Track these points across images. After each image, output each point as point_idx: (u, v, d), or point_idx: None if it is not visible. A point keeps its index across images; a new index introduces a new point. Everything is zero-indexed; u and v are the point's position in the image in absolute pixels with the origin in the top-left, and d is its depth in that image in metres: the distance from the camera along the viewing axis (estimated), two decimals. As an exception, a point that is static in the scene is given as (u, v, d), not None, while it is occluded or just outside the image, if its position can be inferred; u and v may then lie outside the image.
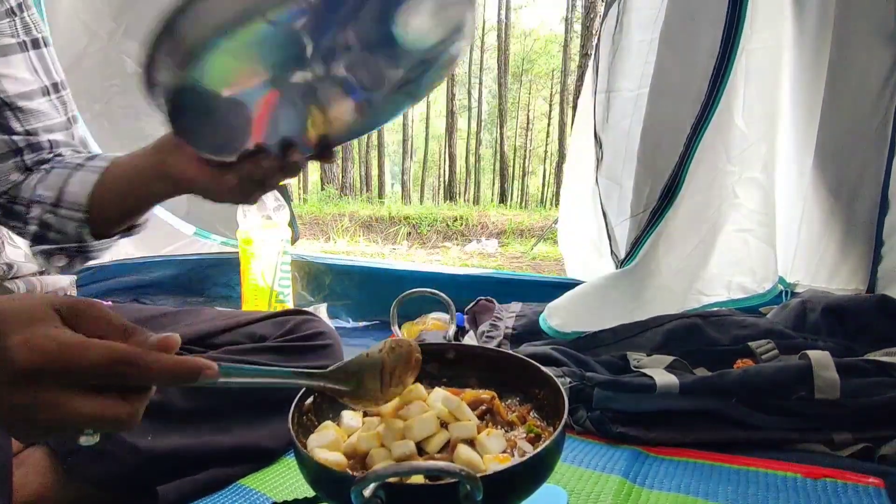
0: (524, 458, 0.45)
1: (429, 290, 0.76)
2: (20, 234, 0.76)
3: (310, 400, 0.59)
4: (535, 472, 0.47)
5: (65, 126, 0.79)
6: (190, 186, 0.66)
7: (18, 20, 0.74)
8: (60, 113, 0.79)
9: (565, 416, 0.50)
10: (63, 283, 0.92)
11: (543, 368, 0.59)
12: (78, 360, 0.36)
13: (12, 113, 0.74)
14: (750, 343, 1.04)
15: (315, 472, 0.46)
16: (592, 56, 1.43)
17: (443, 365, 0.67)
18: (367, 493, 0.39)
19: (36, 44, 0.75)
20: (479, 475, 0.40)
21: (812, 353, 0.90)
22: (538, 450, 0.45)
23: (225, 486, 0.74)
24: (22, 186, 0.74)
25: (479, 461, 0.48)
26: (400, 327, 0.91)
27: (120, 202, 0.72)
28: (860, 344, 1.03)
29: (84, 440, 0.37)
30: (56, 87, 0.78)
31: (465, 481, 0.39)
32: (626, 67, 1.30)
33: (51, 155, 0.77)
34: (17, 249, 0.77)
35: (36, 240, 0.74)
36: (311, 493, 0.56)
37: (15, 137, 0.74)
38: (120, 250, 1.91)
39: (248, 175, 0.62)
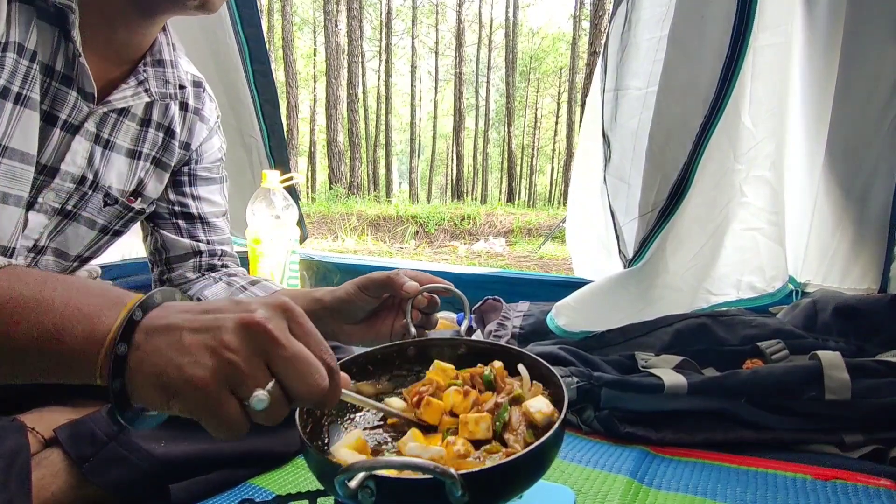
0: (510, 459, 0.44)
1: (444, 282, 0.76)
2: None
3: None
4: (522, 471, 0.46)
5: (229, 241, 1.01)
6: (345, 342, 0.83)
7: (223, 164, 0.99)
8: (227, 231, 1.01)
9: (562, 415, 0.50)
10: None
11: (550, 366, 0.58)
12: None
13: (202, 225, 0.95)
14: (759, 343, 1.03)
15: (316, 462, 0.47)
16: (600, 54, 1.42)
17: (454, 360, 0.67)
18: (352, 483, 0.39)
19: (224, 179, 1.00)
20: (458, 473, 0.39)
21: (822, 354, 0.89)
22: (526, 450, 0.45)
23: (235, 486, 0.74)
24: (190, 286, 0.92)
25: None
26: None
27: None
28: (872, 344, 1.02)
29: (257, 398, 0.40)
30: (226, 211, 1.01)
31: (441, 478, 0.39)
32: (634, 66, 1.29)
33: (220, 262, 0.97)
34: None
35: None
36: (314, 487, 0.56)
37: (199, 244, 0.94)
38: (129, 249, 1.92)
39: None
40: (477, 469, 0.43)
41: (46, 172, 0.73)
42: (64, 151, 0.73)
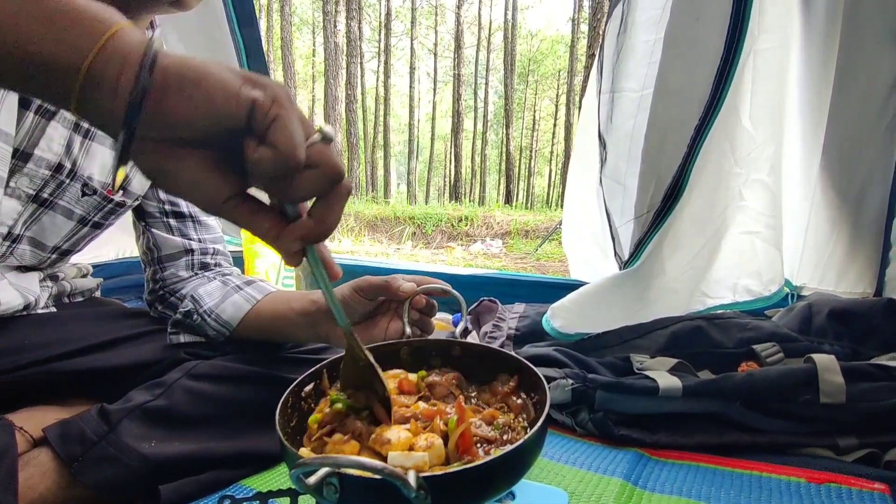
0: (475, 464, 0.44)
1: (441, 283, 0.75)
2: (161, 317, 0.92)
3: (310, 386, 0.59)
4: (489, 476, 0.45)
5: (221, 240, 0.99)
6: (338, 345, 0.82)
7: None
8: (219, 229, 0.99)
9: (541, 420, 0.49)
10: (90, 284, 1.00)
11: (537, 370, 0.58)
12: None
13: (192, 223, 0.94)
14: (755, 346, 1.03)
15: (283, 452, 0.47)
16: (596, 56, 1.42)
17: (448, 361, 0.67)
18: (311, 480, 0.38)
19: None
20: (420, 475, 0.38)
21: (817, 357, 0.89)
22: (494, 456, 0.45)
23: (227, 487, 0.74)
24: (184, 284, 0.91)
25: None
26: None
27: (262, 334, 0.87)
28: (867, 348, 1.02)
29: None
30: None
31: (389, 480, 0.38)
32: (630, 68, 1.29)
33: (213, 261, 0.96)
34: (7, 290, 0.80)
35: (173, 324, 0.88)
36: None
37: (191, 242, 0.93)
38: (124, 248, 1.91)
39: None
40: (439, 472, 0.42)
41: (19, 157, 0.72)
42: (38, 136, 0.73)
